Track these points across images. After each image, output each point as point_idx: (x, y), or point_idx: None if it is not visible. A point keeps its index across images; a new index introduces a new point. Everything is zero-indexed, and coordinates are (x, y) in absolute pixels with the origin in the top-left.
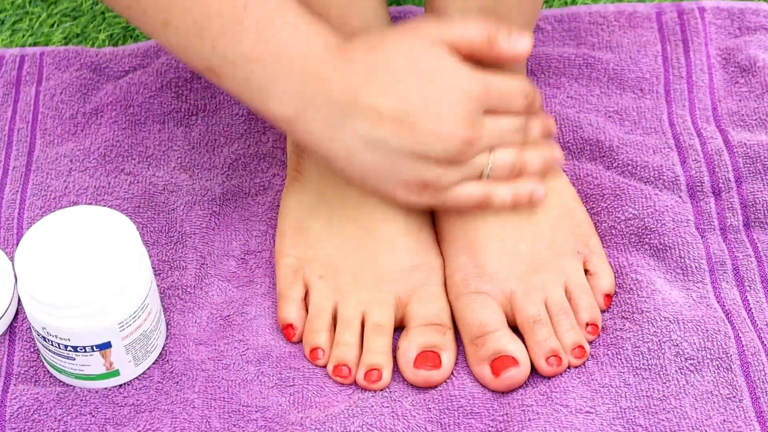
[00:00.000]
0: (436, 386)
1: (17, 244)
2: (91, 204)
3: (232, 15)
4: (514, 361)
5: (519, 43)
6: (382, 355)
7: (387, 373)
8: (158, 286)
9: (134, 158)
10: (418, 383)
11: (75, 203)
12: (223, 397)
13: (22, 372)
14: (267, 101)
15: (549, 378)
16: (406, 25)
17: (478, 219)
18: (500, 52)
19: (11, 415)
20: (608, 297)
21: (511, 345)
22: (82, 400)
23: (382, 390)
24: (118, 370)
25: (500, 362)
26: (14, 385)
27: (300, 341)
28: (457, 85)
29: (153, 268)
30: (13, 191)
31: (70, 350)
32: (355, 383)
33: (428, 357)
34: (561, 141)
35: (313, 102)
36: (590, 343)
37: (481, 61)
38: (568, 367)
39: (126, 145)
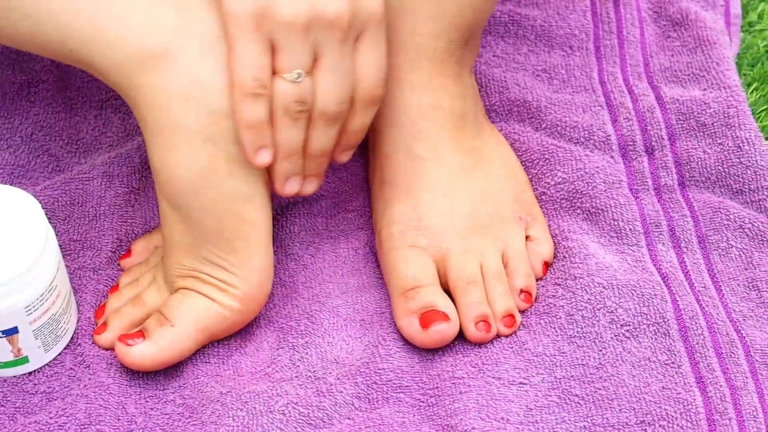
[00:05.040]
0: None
1: None
2: (6, 183)
3: None
4: (444, 316)
5: None
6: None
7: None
8: (68, 266)
9: (63, 139)
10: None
11: None
12: (138, 384)
13: None
14: None
15: (479, 348)
16: None
17: (422, 166)
18: None
19: None
20: (546, 265)
21: (442, 301)
22: None
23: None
24: (26, 357)
25: (429, 315)
26: None
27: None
28: None
29: (63, 247)
30: None
31: None
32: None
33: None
34: (487, 103)
35: None
36: (522, 312)
37: None
38: (498, 336)
39: (57, 128)
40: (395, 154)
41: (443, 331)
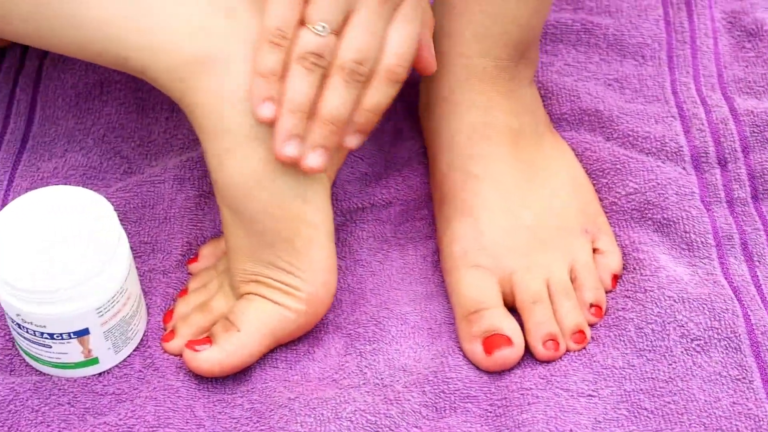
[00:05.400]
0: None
1: None
2: (79, 185)
3: None
4: (507, 341)
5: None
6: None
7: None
8: (138, 268)
9: (135, 141)
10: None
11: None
12: (207, 387)
13: None
14: None
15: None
16: None
17: (479, 184)
18: None
19: None
20: (615, 277)
21: (506, 323)
22: (60, 389)
23: None
24: (97, 358)
25: (493, 340)
26: None
27: None
28: None
29: (134, 249)
30: (4, 171)
31: (46, 338)
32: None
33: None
34: (558, 112)
35: None
36: (592, 325)
37: None
38: (567, 351)
39: (129, 129)
40: (452, 173)
41: (507, 356)
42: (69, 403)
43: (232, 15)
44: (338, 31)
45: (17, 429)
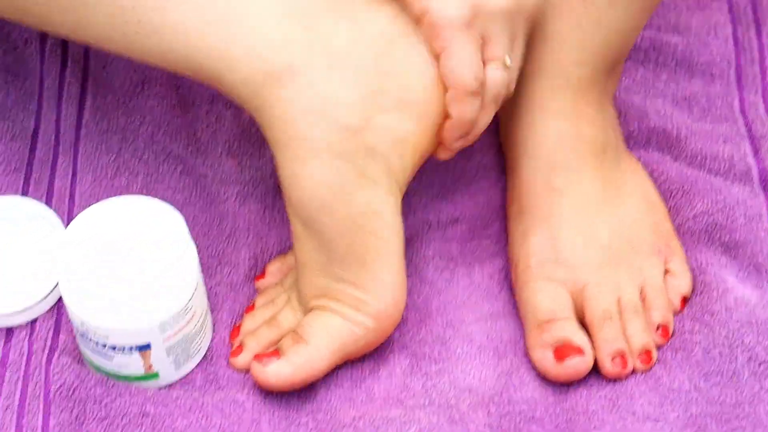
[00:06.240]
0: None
1: (68, 218)
2: (142, 190)
3: None
4: (579, 350)
5: None
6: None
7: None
8: (206, 282)
9: (183, 140)
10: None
11: (126, 186)
12: (273, 403)
13: (66, 348)
14: None
15: (614, 382)
16: None
17: (560, 197)
18: None
19: (55, 393)
20: (684, 300)
21: (578, 335)
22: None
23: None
24: (157, 373)
25: (564, 349)
26: (57, 358)
27: None
28: None
29: (202, 263)
30: (65, 163)
31: (108, 349)
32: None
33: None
34: (626, 130)
35: None
36: (658, 347)
37: None
38: (633, 371)
39: (174, 125)
40: (534, 184)
41: (577, 365)
42: (130, 394)
43: (311, 27)
44: None
45: (83, 420)
